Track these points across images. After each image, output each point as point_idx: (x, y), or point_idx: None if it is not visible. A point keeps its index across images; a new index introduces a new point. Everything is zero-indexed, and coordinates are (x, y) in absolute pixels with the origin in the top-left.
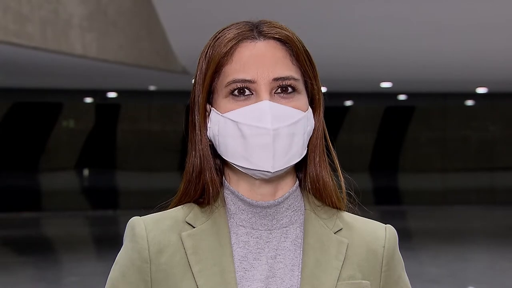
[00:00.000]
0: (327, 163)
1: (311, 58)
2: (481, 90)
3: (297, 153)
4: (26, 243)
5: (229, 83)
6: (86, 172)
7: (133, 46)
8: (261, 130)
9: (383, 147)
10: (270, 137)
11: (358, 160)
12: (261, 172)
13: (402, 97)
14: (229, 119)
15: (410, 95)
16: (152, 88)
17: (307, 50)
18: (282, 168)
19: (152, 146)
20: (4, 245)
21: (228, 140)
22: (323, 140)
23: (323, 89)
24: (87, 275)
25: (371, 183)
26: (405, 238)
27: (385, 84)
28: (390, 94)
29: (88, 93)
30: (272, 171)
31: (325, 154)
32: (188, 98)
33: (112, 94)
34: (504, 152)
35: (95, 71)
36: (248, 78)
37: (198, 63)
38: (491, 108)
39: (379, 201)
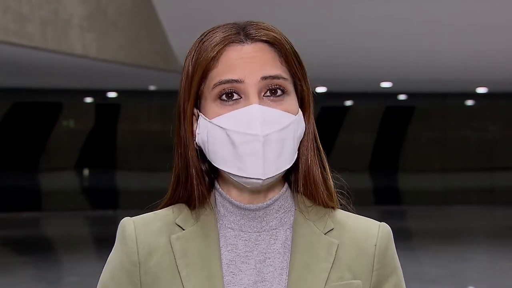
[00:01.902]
0: (319, 163)
1: (300, 59)
2: (481, 90)
3: (287, 159)
4: (26, 243)
5: (216, 85)
6: (86, 172)
7: (133, 46)
8: (251, 137)
9: (383, 147)
10: (259, 144)
11: (358, 160)
12: (252, 180)
13: (402, 97)
14: (218, 125)
15: (410, 95)
16: (152, 88)
17: (295, 51)
18: (273, 175)
19: (152, 146)
20: (4, 245)
21: (218, 147)
22: (314, 142)
23: (323, 89)
24: (87, 275)
25: (371, 183)
26: (405, 238)
27: (385, 84)
28: (390, 94)
29: (88, 93)
30: (263, 178)
31: (316, 154)
32: None
33: (112, 94)
34: (504, 152)
35: (95, 71)
36: (235, 77)
37: (184, 66)
38: (491, 108)
39: (379, 201)
